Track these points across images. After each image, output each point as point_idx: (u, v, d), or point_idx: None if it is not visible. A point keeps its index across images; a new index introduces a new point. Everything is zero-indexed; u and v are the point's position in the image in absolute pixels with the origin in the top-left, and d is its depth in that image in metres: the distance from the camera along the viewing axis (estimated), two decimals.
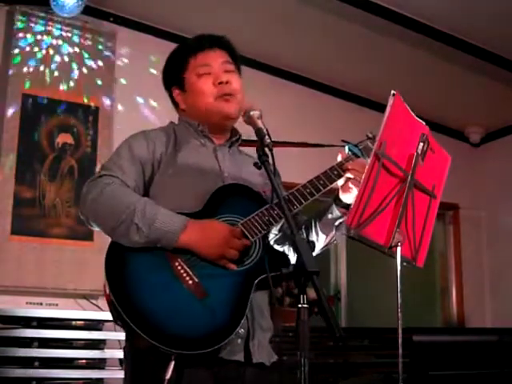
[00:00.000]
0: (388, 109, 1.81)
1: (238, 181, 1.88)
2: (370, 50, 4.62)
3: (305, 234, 1.99)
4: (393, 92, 1.82)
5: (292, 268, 1.49)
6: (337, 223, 1.98)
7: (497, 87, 4.99)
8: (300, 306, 1.42)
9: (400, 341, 1.84)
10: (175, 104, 2.05)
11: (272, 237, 1.93)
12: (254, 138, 1.71)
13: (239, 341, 1.73)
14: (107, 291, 1.65)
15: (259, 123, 1.72)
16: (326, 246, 2.04)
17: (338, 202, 1.96)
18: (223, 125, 1.97)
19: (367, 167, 1.76)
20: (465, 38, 4.38)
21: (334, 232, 1.99)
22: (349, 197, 1.92)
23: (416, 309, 5.26)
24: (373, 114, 4.98)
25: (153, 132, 1.95)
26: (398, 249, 1.83)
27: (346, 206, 1.92)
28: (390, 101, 1.82)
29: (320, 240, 2.01)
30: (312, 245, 1.99)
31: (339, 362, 4.05)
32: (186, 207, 1.78)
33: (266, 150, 1.65)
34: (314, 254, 2.02)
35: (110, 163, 1.85)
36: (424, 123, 1.94)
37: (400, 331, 1.85)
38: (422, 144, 1.90)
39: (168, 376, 1.60)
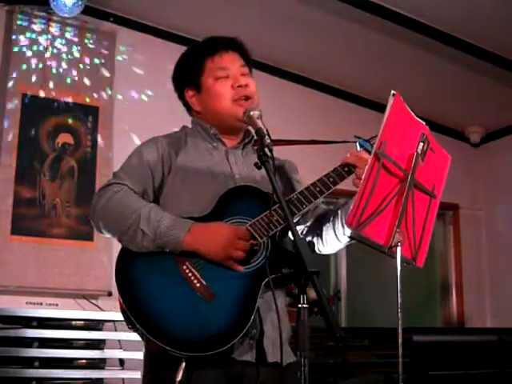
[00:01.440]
0: (388, 109, 1.81)
1: (249, 182, 1.88)
2: (371, 50, 4.61)
3: (332, 225, 1.93)
4: (393, 92, 1.82)
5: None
6: None
7: (497, 87, 4.99)
8: (300, 305, 1.43)
9: (400, 341, 1.84)
10: (187, 105, 2.04)
11: (301, 230, 1.95)
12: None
13: (251, 341, 1.73)
14: (120, 300, 1.68)
15: (259, 123, 1.72)
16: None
17: None
18: (237, 127, 1.97)
19: (367, 167, 1.76)
20: (465, 38, 4.37)
21: None
22: None
23: (416, 309, 5.26)
24: (373, 114, 4.98)
25: (164, 137, 1.95)
26: (398, 249, 1.83)
27: None
28: (390, 101, 1.81)
29: (346, 231, 1.93)
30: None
31: (339, 362, 4.05)
32: (197, 211, 1.79)
33: (266, 150, 1.65)
34: (343, 245, 1.96)
35: (119, 171, 1.88)
36: (424, 123, 1.94)
37: (400, 331, 1.84)
38: (422, 144, 1.90)
39: (179, 378, 1.62)
